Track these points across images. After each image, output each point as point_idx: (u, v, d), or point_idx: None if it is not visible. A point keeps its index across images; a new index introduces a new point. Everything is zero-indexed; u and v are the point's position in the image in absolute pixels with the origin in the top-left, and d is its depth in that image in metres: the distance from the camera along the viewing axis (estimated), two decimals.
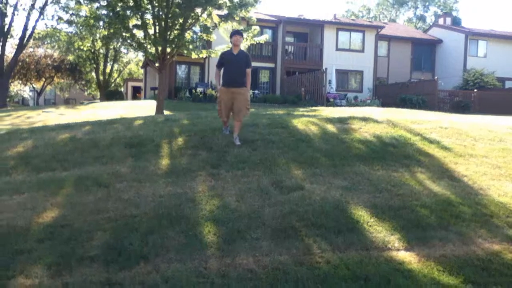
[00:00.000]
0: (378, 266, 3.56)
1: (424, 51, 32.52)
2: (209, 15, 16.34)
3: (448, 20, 35.65)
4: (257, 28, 17.36)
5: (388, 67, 31.03)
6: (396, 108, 15.78)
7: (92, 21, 15.87)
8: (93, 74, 43.57)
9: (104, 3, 15.69)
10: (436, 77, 26.26)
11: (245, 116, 7.21)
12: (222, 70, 7.11)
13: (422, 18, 60.61)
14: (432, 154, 6.77)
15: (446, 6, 58.81)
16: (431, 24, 44.58)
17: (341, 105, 21.16)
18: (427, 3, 60.84)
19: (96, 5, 15.89)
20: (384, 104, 22.17)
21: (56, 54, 42.99)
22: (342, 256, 3.70)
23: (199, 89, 23.40)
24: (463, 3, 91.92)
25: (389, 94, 25.82)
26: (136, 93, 40.82)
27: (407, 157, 6.56)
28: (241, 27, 17.03)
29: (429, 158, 6.62)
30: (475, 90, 25.66)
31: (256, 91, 24.90)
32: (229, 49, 7.23)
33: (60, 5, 27.10)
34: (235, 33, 7.07)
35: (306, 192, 5.08)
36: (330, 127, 8.23)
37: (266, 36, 18.39)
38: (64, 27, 27.53)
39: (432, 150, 6.96)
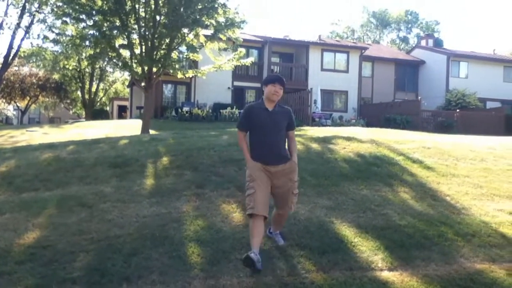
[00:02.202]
0: (362, 287, 3.57)
1: (408, 71, 33.07)
2: (196, 35, 16.46)
3: (431, 42, 36.40)
4: (243, 50, 17.52)
5: (372, 87, 31.43)
6: (380, 128, 15.97)
7: (78, 40, 15.86)
8: (79, 93, 43.35)
9: (90, 23, 15.71)
10: (419, 97, 26.67)
11: (294, 204, 4.37)
12: (249, 136, 4.27)
13: (405, 40, 61.81)
14: (415, 174, 6.86)
15: (428, 28, 60.12)
16: (414, 45, 45.45)
17: (326, 125, 21.33)
18: (409, 25, 62.15)
19: (82, 24, 15.90)
20: (369, 124, 22.40)
21: (41, 73, 42.72)
22: (327, 277, 3.70)
23: (185, 109, 23.41)
24: (444, 25, 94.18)
25: (373, 114, 26.11)
26: (122, 112, 40.64)
27: (391, 177, 6.63)
28: (228, 47, 17.18)
29: (412, 177, 6.70)
30: (458, 110, 26.10)
31: (243, 111, 25.03)
32: (258, 101, 4.34)
33: (46, 24, 27.02)
34: (275, 81, 4.19)
35: (291, 212, 5.09)
36: (315, 147, 8.29)
37: (252, 59, 18.58)
38: (49, 46, 27.38)
39: (415, 170, 7.05)
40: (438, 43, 38.28)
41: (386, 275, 3.78)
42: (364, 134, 9.99)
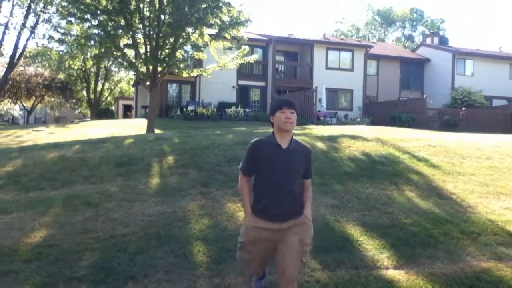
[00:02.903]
0: (368, 285, 3.57)
1: (413, 70, 32.93)
2: (200, 34, 16.47)
3: (436, 40, 36.21)
4: (247, 47, 17.51)
5: (377, 85, 31.32)
6: (385, 126, 15.92)
7: (83, 40, 15.92)
8: (84, 92, 43.48)
9: (95, 23, 15.77)
10: (425, 96, 26.55)
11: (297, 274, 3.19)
12: (254, 181, 3.24)
13: (410, 38, 61.53)
14: (420, 172, 6.83)
15: (433, 26, 59.81)
16: (419, 43, 45.29)
17: (331, 124, 21.29)
18: (414, 23, 61.84)
19: (87, 24, 15.96)
20: (374, 122, 22.34)
21: (47, 73, 42.90)
22: (332, 275, 3.70)
23: (190, 108, 23.41)
24: (450, 23, 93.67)
25: (379, 113, 26.03)
26: (127, 112, 40.74)
27: (396, 175, 6.61)
28: (232, 46, 17.17)
29: (418, 176, 6.67)
30: (463, 108, 25.97)
31: (247, 110, 25.01)
32: (268, 136, 3.23)
33: (51, 24, 27.15)
34: (282, 106, 3.15)
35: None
36: (320, 145, 8.28)
37: (256, 56, 18.55)
38: (55, 46, 27.44)
39: (421, 168, 7.02)
40: (443, 41, 38.06)
41: (391, 273, 3.78)
42: (369, 133, 9.96)
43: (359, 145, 8.22)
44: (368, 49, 29.53)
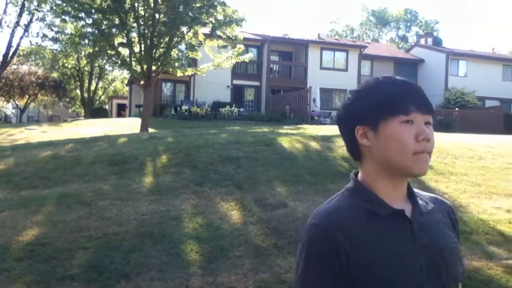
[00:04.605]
0: None
1: (407, 70, 33.05)
2: (195, 33, 16.47)
3: (430, 40, 36.39)
4: (242, 46, 17.52)
5: None
6: None
7: (77, 38, 15.90)
8: (78, 91, 43.28)
9: (89, 21, 15.75)
10: None
11: None
12: None
13: (404, 38, 61.76)
14: None
15: (427, 26, 60.06)
16: (413, 44, 45.45)
17: (325, 123, 21.33)
18: (409, 24, 62.08)
19: (81, 23, 15.94)
20: None
21: (40, 71, 42.68)
22: None
23: (185, 107, 23.39)
24: (443, 24, 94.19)
25: None
26: (121, 111, 40.62)
27: None
28: (227, 45, 17.18)
29: None
30: (457, 109, 26.12)
31: (242, 109, 25.01)
32: (346, 191, 1.16)
33: (45, 22, 27.02)
34: (415, 103, 1.06)
35: (289, 210, 5.11)
36: (314, 145, 8.31)
37: (250, 55, 18.58)
38: (48, 44, 27.36)
39: None
40: (437, 42, 38.32)
41: None
42: None
43: None
44: (362, 49, 29.64)
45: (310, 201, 5.43)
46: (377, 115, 1.07)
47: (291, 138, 8.89)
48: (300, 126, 14.93)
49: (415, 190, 1.18)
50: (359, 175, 1.15)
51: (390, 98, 1.07)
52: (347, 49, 29.37)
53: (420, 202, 1.14)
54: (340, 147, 8.06)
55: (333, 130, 11.03)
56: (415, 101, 1.07)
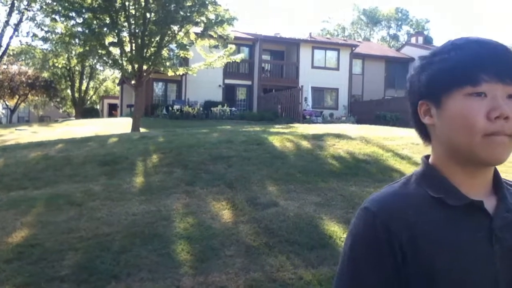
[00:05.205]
0: None
1: (398, 69, 33.22)
2: (186, 32, 16.43)
3: (420, 39, 36.61)
4: (233, 46, 17.51)
5: (362, 84, 31.54)
6: (370, 125, 16.04)
7: (67, 38, 15.79)
8: (69, 91, 43.00)
9: (80, 21, 15.64)
10: None
11: None
12: None
13: (395, 37, 62.02)
14: (403, 170, 6.90)
15: (418, 25, 60.35)
16: (404, 42, 45.66)
17: (317, 122, 21.38)
18: (400, 23, 62.36)
19: (71, 22, 15.82)
20: (359, 121, 22.49)
21: (30, 71, 42.33)
22: (315, 272, 3.73)
23: (176, 107, 23.34)
24: (434, 23, 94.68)
25: (364, 111, 26.22)
26: (112, 111, 40.44)
27: (380, 173, 6.67)
28: (218, 44, 17.15)
29: (401, 174, 6.74)
30: None
31: (234, 108, 25.00)
32: (403, 181, 0.96)
33: (35, 22, 26.84)
34: (491, 69, 0.83)
35: (281, 209, 5.11)
36: (305, 144, 8.32)
37: (242, 55, 18.58)
38: (39, 44, 27.20)
39: (404, 166, 7.09)
40: (427, 41, 38.53)
41: None
42: (354, 131, 10.03)
43: (343, 144, 8.27)
44: (353, 48, 29.74)
45: (301, 200, 5.44)
46: (438, 87, 0.87)
47: (283, 137, 8.89)
48: (291, 125, 14.95)
49: (509, 181, 0.97)
50: (431, 159, 0.96)
51: (454, 65, 0.86)
52: (339, 48, 29.46)
53: (510, 196, 0.91)
54: (331, 146, 8.08)
55: (324, 128, 11.05)
56: (491, 67, 0.83)
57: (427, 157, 0.97)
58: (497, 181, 0.92)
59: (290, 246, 4.21)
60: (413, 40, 37.19)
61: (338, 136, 8.94)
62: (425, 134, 0.96)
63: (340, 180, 6.25)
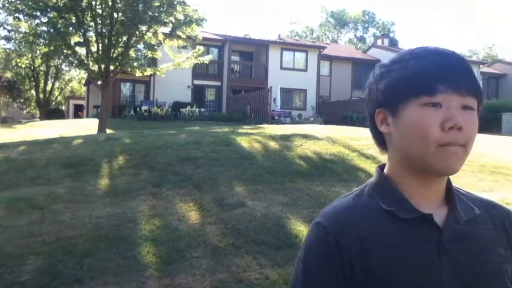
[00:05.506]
0: None
1: (364, 70, 33.74)
2: (154, 33, 16.27)
3: (386, 41, 37.36)
4: (202, 48, 17.44)
5: (330, 86, 31.94)
6: (337, 125, 16.25)
7: (31, 37, 15.39)
8: (33, 92, 41.91)
9: (44, 20, 15.28)
10: None
11: None
12: None
13: (362, 39, 63.06)
14: (368, 170, 7.03)
15: (384, 28, 61.56)
16: (370, 45, 46.48)
17: (285, 123, 21.51)
18: (366, 25, 63.46)
19: (36, 21, 15.44)
20: (326, 122, 22.76)
21: None
22: (281, 272, 3.75)
23: (144, 107, 23.07)
24: (399, 25, 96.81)
25: (331, 112, 26.56)
26: (78, 112, 39.63)
27: (346, 173, 6.78)
28: (187, 45, 17.04)
29: (366, 173, 6.86)
30: None
31: (203, 109, 24.90)
32: (356, 193, 0.99)
33: None
34: (448, 81, 0.85)
35: (248, 209, 5.13)
36: (273, 144, 8.37)
37: (210, 57, 18.53)
38: (1, 43, 26.39)
39: (369, 166, 7.22)
40: (393, 43, 39.38)
41: None
42: (321, 132, 10.15)
43: (310, 144, 8.36)
44: (321, 50, 30.10)
45: (269, 200, 5.47)
46: (395, 96, 0.88)
47: (251, 138, 8.92)
48: (260, 125, 14.99)
49: (463, 191, 0.97)
50: (386, 168, 0.97)
51: (411, 75, 0.86)
52: (307, 50, 29.77)
53: (461, 206, 0.91)
54: (299, 146, 8.16)
55: (292, 129, 11.14)
56: (447, 77, 0.84)
57: (382, 166, 0.99)
58: (449, 191, 0.93)
59: (257, 246, 4.23)
60: (379, 42, 37.91)
61: (306, 136, 9.02)
62: (381, 142, 0.97)
63: (307, 180, 6.31)
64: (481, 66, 35.10)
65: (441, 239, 0.87)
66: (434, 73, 0.85)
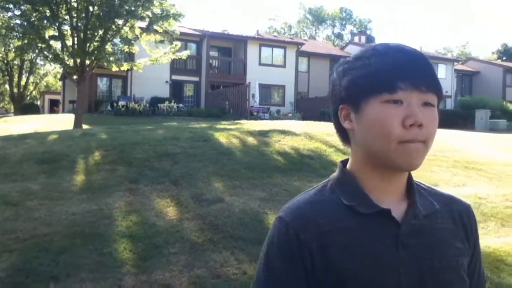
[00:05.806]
0: None
1: None
2: (131, 27, 16.06)
3: (363, 38, 37.76)
4: (179, 43, 17.31)
5: (308, 82, 32.12)
6: (315, 121, 16.35)
7: (4, 30, 15.06)
8: (7, 86, 40.99)
9: (18, 13, 14.94)
10: None
11: None
12: None
13: (339, 36, 63.55)
14: None
15: (361, 25, 62.12)
16: (347, 41, 46.88)
17: (264, 119, 21.54)
18: (344, 22, 63.97)
19: (9, 14, 15.09)
20: (305, 118, 22.86)
21: None
22: None
23: (121, 103, 22.79)
24: (376, 23, 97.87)
25: (309, 108, 26.70)
26: (54, 107, 38.94)
27: (323, 168, 6.84)
28: (164, 40, 16.88)
29: None
30: None
31: (181, 105, 24.74)
32: (319, 187, 0.98)
33: None
34: (410, 78, 0.86)
35: (226, 205, 5.14)
36: (251, 140, 8.38)
37: (188, 52, 18.39)
38: None
39: None
40: (370, 40, 39.85)
41: None
42: (299, 127, 10.20)
43: (288, 140, 8.40)
44: (299, 46, 30.22)
45: (247, 195, 5.49)
46: (357, 92, 0.89)
47: (229, 133, 8.92)
48: (238, 121, 14.97)
49: (424, 185, 0.99)
50: (349, 163, 0.97)
51: (372, 72, 0.87)
52: (285, 46, 29.86)
53: (420, 201, 0.93)
54: (277, 142, 8.19)
55: (270, 125, 11.17)
56: (407, 74, 0.85)
57: (344, 161, 1.00)
58: (410, 186, 0.94)
59: (235, 241, 4.25)
60: (356, 39, 38.30)
61: (283, 132, 9.06)
62: (345, 137, 0.97)
63: (284, 175, 6.35)
64: (455, 63, 35.80)
65: (399, 234, 0.88)
66: (394, 70, 0.86)
